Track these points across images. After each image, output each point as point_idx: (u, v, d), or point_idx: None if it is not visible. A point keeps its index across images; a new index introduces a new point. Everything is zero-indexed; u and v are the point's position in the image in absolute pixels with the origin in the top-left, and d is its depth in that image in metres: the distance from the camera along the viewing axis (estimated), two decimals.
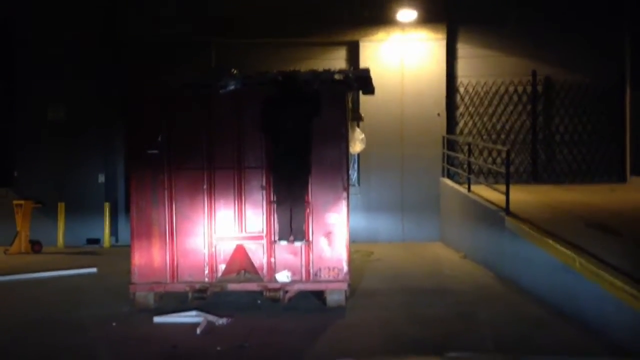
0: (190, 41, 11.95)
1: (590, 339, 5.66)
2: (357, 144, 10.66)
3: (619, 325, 5.55)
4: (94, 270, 9.18)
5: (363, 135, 10.66)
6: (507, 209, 8.33)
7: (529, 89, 12.32)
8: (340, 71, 7.36)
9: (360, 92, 8.11)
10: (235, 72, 7.47)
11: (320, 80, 7.06)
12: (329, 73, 7.19)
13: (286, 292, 6.93)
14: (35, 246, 11.18)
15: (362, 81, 7.44)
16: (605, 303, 5.75)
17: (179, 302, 6.92)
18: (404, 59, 12.33)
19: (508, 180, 8.59)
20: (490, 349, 5.41)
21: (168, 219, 7.01)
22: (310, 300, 7.13)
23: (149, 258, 6.96)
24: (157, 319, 6.41)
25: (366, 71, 7.61)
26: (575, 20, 11.91)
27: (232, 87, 7.23)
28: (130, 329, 6.21)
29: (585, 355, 5.03)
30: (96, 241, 11.92)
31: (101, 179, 12.15)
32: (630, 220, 8.08)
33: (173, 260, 6.97)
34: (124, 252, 7.45)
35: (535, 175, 12.22)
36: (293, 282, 6.95)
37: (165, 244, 6.97)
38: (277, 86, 7.09)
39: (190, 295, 6.93)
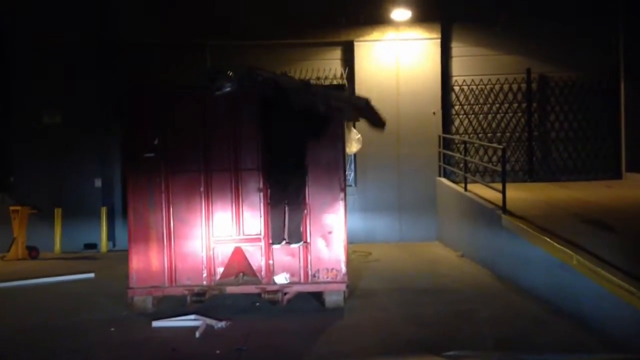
0: (185, 43, 11.94)
1: (588, 336, 5.67)
2: (353, 144, 10.66)
3: (617, 322, 5.57)
4: (91, 275, 9.16)
5: (359, 136, 10.66)
6: (503, 207, 8.34)
7: (523, 86, 12.36)
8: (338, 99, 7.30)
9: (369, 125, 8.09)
10: (230, 73, 7.47)
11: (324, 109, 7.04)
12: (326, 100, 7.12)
13: (285, 293, 6.93)
14: (32, 252, 11.15)
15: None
16: (602, 300, 5.77)
17: (177, 306, 6.90)
18: (399, 58, 12.35)
19: (504, 178, 8.61)
20: (488, 347, 5.42)
21: (165, 222, 7.00)
22: (309, 302, 7.13)
23: (147, 262, 6.95)
24: (156, 323, 6.40)
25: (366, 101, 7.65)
26: (569, 17, 11.94)
27: (227, 89, 7.23)
28: (129, 333, 6.20)
29: (583, 353, 5.04)
30: (93, 246, 11.89)
31: (98, 183, 12.12)
32: (627, 216, 8.11)
33: (171, 263, 6.96)
34: (122, 257, 7.44)
35: (531, 173, 12.24)
36: (291, 283, 6.95)
37: (163, 248, 6.96)
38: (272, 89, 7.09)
39: (188, 298, 6.92)
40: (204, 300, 6.88)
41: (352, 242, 8.33)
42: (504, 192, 8.38)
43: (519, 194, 9.41)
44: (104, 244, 11.84)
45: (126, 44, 12.00)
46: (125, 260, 7.00)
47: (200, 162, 7.10)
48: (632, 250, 6.36)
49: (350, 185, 12.09)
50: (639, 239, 6.94)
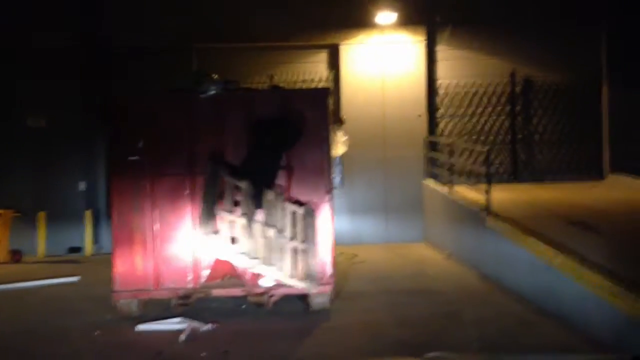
0: (171, 46, 11.89)
1: (571, 336, 5.73)
2: (339, 147, 10.72)
3: (600, 323, 5.63)
4: (76, 279, 9.08)
5: (345, 138, 10.72)
6: (488, 209, 8.41)
7: (507, 89, 12.47)
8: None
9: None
10: (215, 76, 7.46)
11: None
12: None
13: (270, 296, 6.91)
14: (16, 256, 11.03)
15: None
16: (585, 301, 5.84)
17: (162, 309, 6.87)
18: (385, 61, 12.41)
19: (489, 180, 8.68)
20: (473, 348, 5.46)
21: (150, 225, 6.96)
22: (294, 304, 7.13)
23: (131, 265, 6.90)
24: (141, 327, 6.36)
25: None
26: (554, 21, 12.07)
27: (212, 92, 7.23)
28: (114, 337, 6.16)
29: (566, 352, 5.10)
30: (77, 250, 11.79)
31: (82, 186, 12.02)
32: (609, 217, 8.21)
33: (156, 267, 6.92)
34: (106, 260, 7.38)
35: (515, 175, 12.35)
36: (277, 286, 6.93)
37: (148, 251, 6.92)
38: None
39: (173, 301, 6.89)
40: (189, 303, 6.85)
41: (338, 243, 8.33)
42: (488, 194, 8.45)
43: (503, 195, 9.49)
44: (88, 247, 11.74)
45: (111, 46, 11.92)
46: (109, 264, 6.95)
47: (185, 166, 7.07)
48: (615, 251, 6.44)
49: (337, 187, 12.10)
50: (622, 239, 7.03)
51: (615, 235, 7.16)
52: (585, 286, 5.83)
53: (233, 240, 6.41)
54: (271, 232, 6.52)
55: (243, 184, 6.63)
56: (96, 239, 11.90)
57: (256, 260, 6.35)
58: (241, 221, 6.46)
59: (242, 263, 6.48)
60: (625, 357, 1.72)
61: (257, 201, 6.60)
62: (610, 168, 12.04)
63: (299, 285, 6.53)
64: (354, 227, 12.16)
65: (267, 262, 6.37)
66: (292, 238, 6.65)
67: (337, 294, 7.42)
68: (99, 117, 11.11)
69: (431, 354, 2.24)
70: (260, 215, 6.58)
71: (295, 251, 6.59)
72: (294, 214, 6.78)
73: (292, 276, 6.48)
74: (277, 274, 6.46)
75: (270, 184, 6.77)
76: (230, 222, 6.46)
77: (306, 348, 5.73)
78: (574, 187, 11.11)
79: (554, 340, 5.70)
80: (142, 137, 7.03)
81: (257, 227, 6.50)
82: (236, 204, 6.61)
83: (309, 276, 6.52)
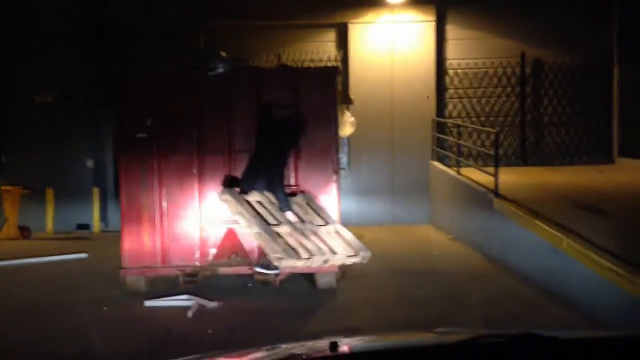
0: (179, 24, 11.81)
1: (577, 317, 5.76)
2: (346, 127, 10.63)
3: (605, 304, 5.64)
4: (84, 255, 9.16)
5: (353, 118, 10.63)
6: (495, 191, 8.38)
7: (517, 70, 12.33)
8: None
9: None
10: (224, 55, 7.42)
11: None
12: None
13: (277, 275, 6.96)
14: (24, 232, 11.12)
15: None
16: (591, 282, 5.84)
17: (170, 287, 6.93)
18: (394, 40, 12.27)
19: (497, 162, 8.63)
20: (479, 327, 5.48)
21: (158, 203, 6.99)
22: (301, 283, 7.17)
23: (139, 243, 6.96)
24: (149, 303, 6.43)
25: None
26: (565, 1, 11.89)
27: (220, 70, 7.19)
28: (122, 312, 6.22)
29: (570, 330, 5.12)
30: (86, 226, 11.87)
31: (90, 164, 12.05)
32: (617, 200, 8.17)
33: (163, 244, 6.97)
34: (114, 238, 7.44)
35: (524, 157, 12.27)
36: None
37: (155, 229, 6.96)
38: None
39: (181, 279, 6.94)
40: (196, 280, 6.91)
41: (345, 224, 8.35)
42: (496, 176, 8.41)
43: (511, 177, 9.45)
44: (96, 224, 11.82)
45: (120, 24, 11.86)
46: (117, 241, 7.01)
47: (193, 144, 7.08)
48: (621, 234, 6.42)
49: (344, 168, 12.08)
50: (629, 222, 7.00)
51: (622, 218, 7.13)
52: (591, 268, 5.83)
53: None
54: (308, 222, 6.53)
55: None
56: (104, 217, 11.97)
57: (319, 254, 6.25)
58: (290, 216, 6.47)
59: (310, 261, 6.26)
60: (635, 334, 1.74)
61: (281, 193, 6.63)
62: (619, 151, 11.95)
63: (357, 259, 6.50)
64: (361, 208, 12.14)
65: (323, 251, 6.31)
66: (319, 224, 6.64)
67: (344, 273, 7.46)
68: (107, 95, 11.11)
69: (441, 329, 2.26)
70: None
71: (330, 233, 6.58)
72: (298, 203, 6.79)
73: (348, 255, 6.45)
74: (336, 257, 6.40)
75: (283, 173, 6.78)
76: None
77: (312, 326, 5.78)
78: (583, 170, 11.05)
79: (559, 320, 5.73)
80: (150, 116, 7.03)
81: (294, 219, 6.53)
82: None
83: (357, 248, 6.50)
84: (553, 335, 1.75)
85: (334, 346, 1.79)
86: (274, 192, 6.62)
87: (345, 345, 1.93)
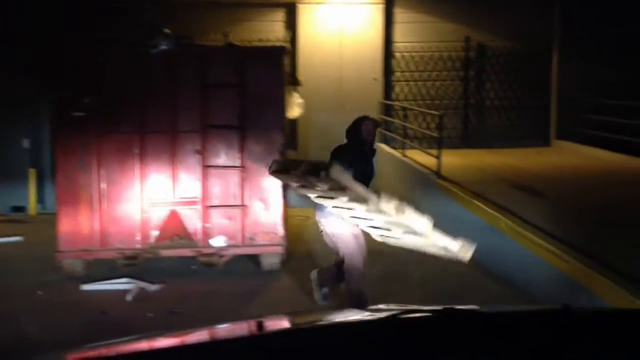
0: (126, 0, 11.40)
1: (513, 295, 5.96)
2: (294, 109, 10.61)
3: (538, 281, 5.88)
4: (19, 238, 8.81)
5: (301, 100, 10.59)
6: (438, 173, 8.55)
7: (462, 55, 12.54)
8: None
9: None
10: (168, 32, 7.22)
11: None
12: None
13: (221, 256, 6.90)
14: None
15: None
16: (526, 260, 6.06)
17: (109, 270, 6.76)
18: (342, 22, 12.24)
19: (440, 144, 8.79)
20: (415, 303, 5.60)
21: (96, 184, 6.78)
22: (246, 265, 7.14)
23: (77, 225, 6.74)
24: (86, 287, 6.26)
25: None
26: None
27: (164, 47, 7.00)
28: (58, 296, 6.04)
29: (501, 304, 5.29)
30: (21, 209, 11.42)
31: (26, 144, 11.56)
32: (553, 182, 8.48)
33: (102, 226, 6.78)
34: (51, 220, 7.17)
35: (467, 140, 12.55)
36: (228, 246, 6.92)
37: (94, 210, 6.76)
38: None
39: (120, 262, 6.78)
40: (136, 263, 6.77)
41: (290, 206, 8.35)
42: (439, 158, 8.57)
43: (454, 159, 9.65)
44: (32, 206, 11.37)
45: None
46: (54, 224, 6.77)
47: (135, 123, 6.88)
48: (557, 214, 6.68)
49: (292, 150, 12.04)
50: (564, 202, 7.29)
51: (558, 199, 7.41)
52: (526, 247, 6.04)
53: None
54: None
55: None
56: (41, 199, 11.54)
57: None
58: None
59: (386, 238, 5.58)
60: (557, 307, 1.81)
61: None
62: (556, 135, 12.38)
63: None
64: None
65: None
66: None
67: (289, 255, 7.47)
68: (44, 72, 10.64)
69: (376, 306, 2.30)
70: None
71: None
72: None
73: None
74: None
75: None
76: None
77: (256, 307, 5.77)
78: (522, 152, 11.39)
79: (497, 298, 5.92)
80: (89, 93, 6.79)
81: None
82: None
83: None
84: (474, 309, 1.80)
85: (259, 326, 1.78)
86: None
87: (269, 324, 1.92)
